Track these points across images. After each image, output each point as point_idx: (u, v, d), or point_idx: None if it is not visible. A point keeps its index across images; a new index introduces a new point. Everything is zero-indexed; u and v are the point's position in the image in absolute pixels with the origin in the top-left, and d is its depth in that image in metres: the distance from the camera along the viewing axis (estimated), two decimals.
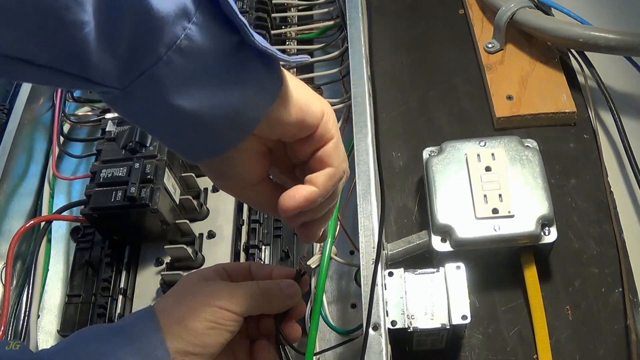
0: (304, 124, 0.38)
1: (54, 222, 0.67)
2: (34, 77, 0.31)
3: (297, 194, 0.38)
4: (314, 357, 0.53)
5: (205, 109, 0.33)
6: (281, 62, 0.36)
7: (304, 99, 0.37)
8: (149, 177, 0.58)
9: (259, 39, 0.33)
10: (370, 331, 0.44)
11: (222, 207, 0.63)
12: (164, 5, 0.30)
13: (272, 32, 0.73)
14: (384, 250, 0.54)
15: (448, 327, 0.48)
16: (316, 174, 0.39)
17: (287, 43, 0.75)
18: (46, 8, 0.26)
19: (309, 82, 0.72)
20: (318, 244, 0.55)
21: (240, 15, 0.32)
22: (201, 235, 0.61)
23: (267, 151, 0.40)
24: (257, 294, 0.42)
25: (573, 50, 0.69)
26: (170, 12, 0.30)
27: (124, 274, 0.60)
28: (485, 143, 0.59)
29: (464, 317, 0.48)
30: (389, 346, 0.46)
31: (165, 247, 0.58)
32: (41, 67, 0.29)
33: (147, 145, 0.61)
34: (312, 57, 0.72)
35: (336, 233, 0.53)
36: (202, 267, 0.60)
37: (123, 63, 0.31)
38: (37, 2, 0.26)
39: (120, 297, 0.59)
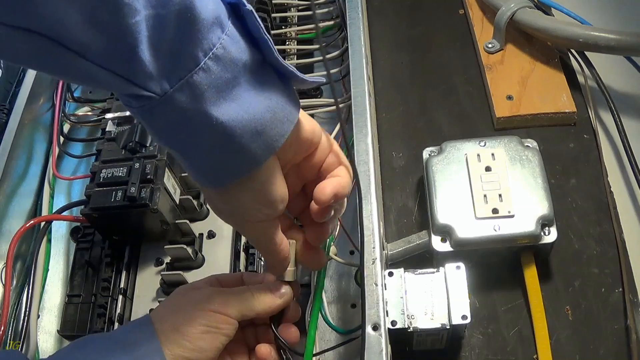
0: (313, 142, 0.40)
1: (54, 222, 0.67)
2: (82, 74, 0.31)
3: (328, 185, 0.41)
4: (315, 357, 0.53)
5: (237, 122, 0.34)
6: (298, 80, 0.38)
7: (307, 119, 0.40)
8: (149, 177, 0.58)
9: (279, 57, 0.35)
10: (370, 331, 0.44)
11: None
12: (205, 9, 0.31)
13: (272, 32, 0.73)
14: (383, 250, 0.54)
15: (448, 327, 0.48)
16: (335, 170, 0.42)
17: (287, 43, 0.75)
18: None
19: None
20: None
21: (265, 32, 0.34)
22: (201, 235, 0.61)
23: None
24: (249, 296, 0.43)
25: (573, 50, 0.69)
26: (209, 18, 0.31)
27: (124, 274, 0.60)
28: (485, 143, 0.59)
29: (464, 317, 0.48)
30: (389, 346, 0.46)
31: (165, 247, 0.58)
32: (90, 63, 0.30)
33: (147, 145, 0.61)
34: (312, 57, 0.72)
35: (336, 233, 0.53)
36: (201, 267, 0.60)
37: (164, 65, 0.31)
38: None
39: (120, 297, 0.59)
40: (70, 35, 0.28)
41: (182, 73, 0.32)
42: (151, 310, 0.57)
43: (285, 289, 0.44)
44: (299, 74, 0.37)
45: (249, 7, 0.33)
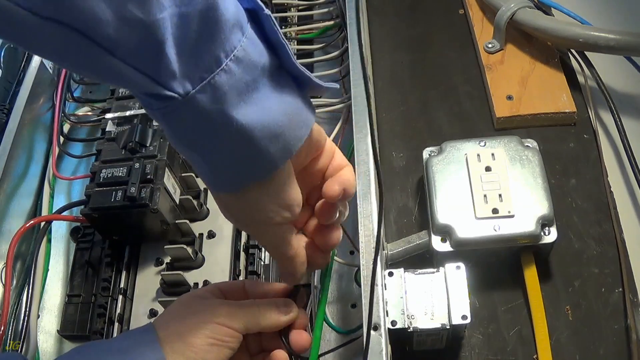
0: (320, 143, 0.42)
1: (54, 222, 0.67)
2: (109, 71, 0.31)
3: (336, 180, 0.42)
4: None
5: (257, 125, 0.34)
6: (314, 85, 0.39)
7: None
8: (149, 177, 0.58)
9: (296, 62, 0.36)
10: (371, 331, 0.44)
11: None
12: (227, 10, 0.32)
13: None
14: (383, 250, 0.54)
15: (448, 327, 0.48)
16: (340, 171, 0.43)
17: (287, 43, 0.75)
18: None
19: None
20: None
21: (282, 36, 0.34)
22: (201, 235, 0.61)
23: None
24: (255, 311, 0.42)
25: (573, 50, 0.69)
26: (231, 19, 0.32)
27: (124, 274, 0.60)
28: (485, 143, 0.59)
29: (464, 317, 0.48)
30: (389, 346, 0.46)
31: (165, 247, 0.58)
32: (118, 60, 0.30)
33: (147, 145, 0.61)
34: (312, 57, 0.72)
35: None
36: (201, 267, 0.60)
37: (188, 65, 0.32)
38: None
39: (120, 297, 0.59)
40: (101, 30, 0.28)
41: (204, 74, 0.32)
42: (151, 310, 0.58)
43: (291, 308, 0.44)
44: (314, 79, 0.37)
45: (267, 11, 0.34)
